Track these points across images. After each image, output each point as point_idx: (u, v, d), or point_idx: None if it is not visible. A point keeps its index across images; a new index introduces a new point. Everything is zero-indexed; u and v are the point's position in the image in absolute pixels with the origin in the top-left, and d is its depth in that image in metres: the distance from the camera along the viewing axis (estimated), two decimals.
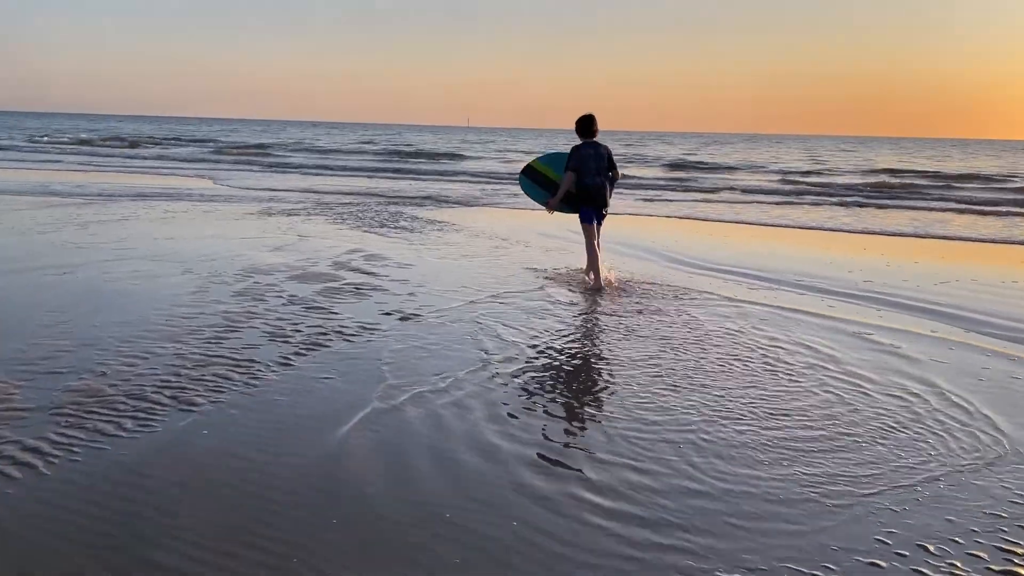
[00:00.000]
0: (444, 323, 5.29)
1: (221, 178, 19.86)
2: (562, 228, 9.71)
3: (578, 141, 6.67)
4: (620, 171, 6.84)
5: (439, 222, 11.39)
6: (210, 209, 12.05)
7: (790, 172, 26.42)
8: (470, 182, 21.43)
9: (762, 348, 4.85)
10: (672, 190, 19.69)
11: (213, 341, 4.63)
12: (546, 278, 7.06)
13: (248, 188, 16.95)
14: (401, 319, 5.36)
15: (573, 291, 6.52)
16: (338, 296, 6.00)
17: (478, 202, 15.40)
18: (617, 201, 15.88)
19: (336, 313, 5.45)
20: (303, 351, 4.52)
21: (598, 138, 6.70)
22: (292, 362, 4.30)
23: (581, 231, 6.83)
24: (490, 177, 23.09)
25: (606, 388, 4.11)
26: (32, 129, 55.68)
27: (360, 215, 11.98)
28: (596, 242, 6.68)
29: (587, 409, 3.82)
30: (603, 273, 6.65)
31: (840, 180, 23.08)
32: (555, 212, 6.90)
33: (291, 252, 8.03)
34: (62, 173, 19.92)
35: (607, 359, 4.63)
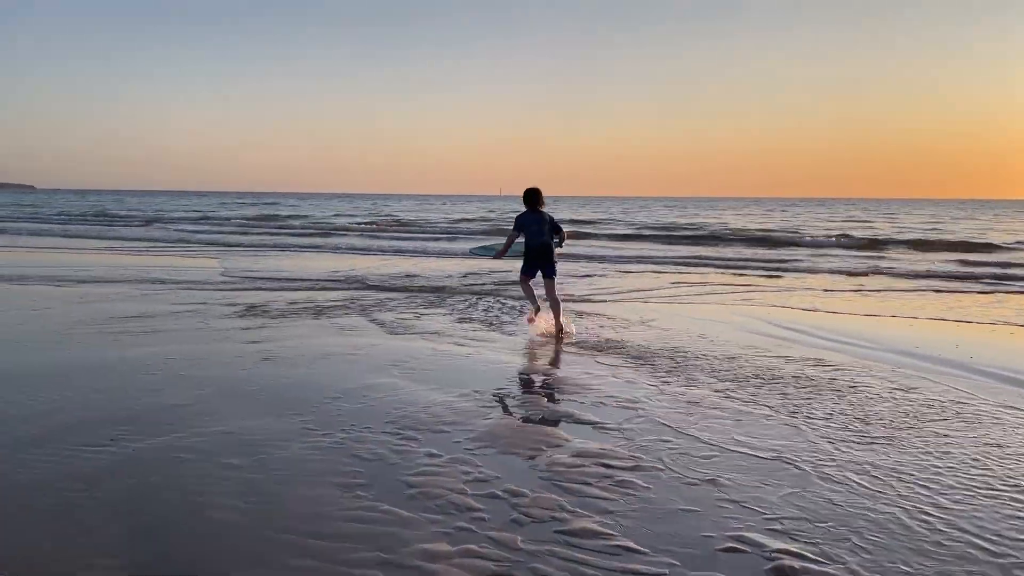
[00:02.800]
0: None
1: (276, 259, 17.55)
2: (769, 327, 6.89)
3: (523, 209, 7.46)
4: (565, 231, 7.67)
5: (587, 314, 8.64)
6: (295, 301, 9.49)
7: (947, 246, 22.01)
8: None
9: None
10: (803, 271, 16.26)
11: None
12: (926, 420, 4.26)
13: (304, 278, 14.53)
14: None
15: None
16: (591, 491, 3.28)
17: (609, 293, 12.72)
18: (775, 288, 11.92)
19: (640, 552, 2.70)
20: None
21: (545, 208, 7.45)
22: None
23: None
24: (585, 255, 20.19)
25: None
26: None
27: (476, 305, 9.32)
28: (552, 295, 7.24)
29: None
30: (562, 320, 7.19)
31: (1003, 257, 18.53)
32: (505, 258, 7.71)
33: (437, 376, 5.37)
34: (117, 256, 17.78)
35: None
